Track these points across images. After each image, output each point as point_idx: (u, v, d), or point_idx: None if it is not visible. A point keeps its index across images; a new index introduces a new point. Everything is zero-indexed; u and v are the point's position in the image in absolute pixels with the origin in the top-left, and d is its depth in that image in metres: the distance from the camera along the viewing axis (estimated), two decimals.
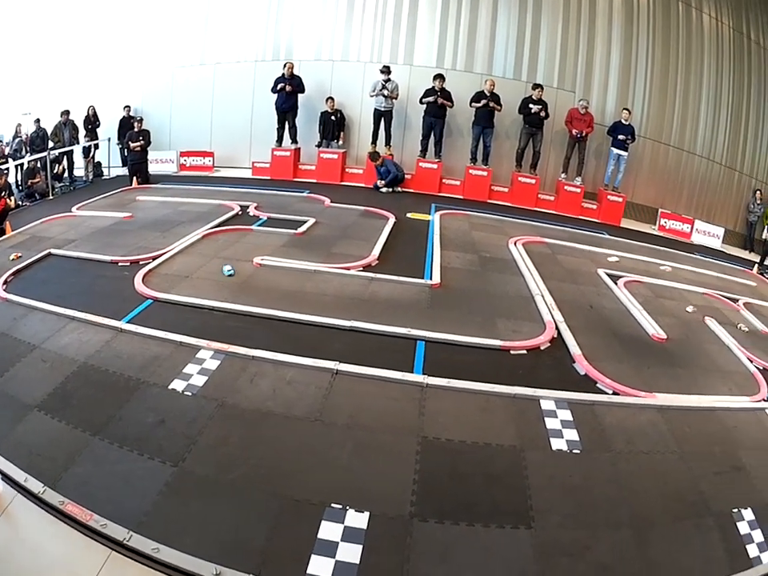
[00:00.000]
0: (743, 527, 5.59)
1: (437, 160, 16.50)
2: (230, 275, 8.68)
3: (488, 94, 15.79)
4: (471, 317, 8.49)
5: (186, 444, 5.23)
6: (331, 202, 13.93)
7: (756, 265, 16.53)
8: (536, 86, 16.18)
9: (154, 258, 9.25)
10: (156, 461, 5.02)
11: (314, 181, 16.33)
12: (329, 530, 4.53)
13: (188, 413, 5.65)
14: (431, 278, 9.64)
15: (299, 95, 16.17)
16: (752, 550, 5.38)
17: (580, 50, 17.41)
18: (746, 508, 5.82)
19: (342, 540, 4.47)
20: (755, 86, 19.43)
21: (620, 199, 17.19)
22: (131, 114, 16.81)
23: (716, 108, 18.94)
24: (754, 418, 7.56)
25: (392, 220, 12.66)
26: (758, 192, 19.22)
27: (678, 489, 5.91)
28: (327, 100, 16.22)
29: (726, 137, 19.29)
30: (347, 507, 4.74)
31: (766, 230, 17.46)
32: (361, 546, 4.44)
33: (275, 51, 16.97)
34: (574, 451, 5.97)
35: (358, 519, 4.65)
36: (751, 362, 8.89)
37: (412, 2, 16.80)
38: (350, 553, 4.37)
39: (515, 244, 12.15)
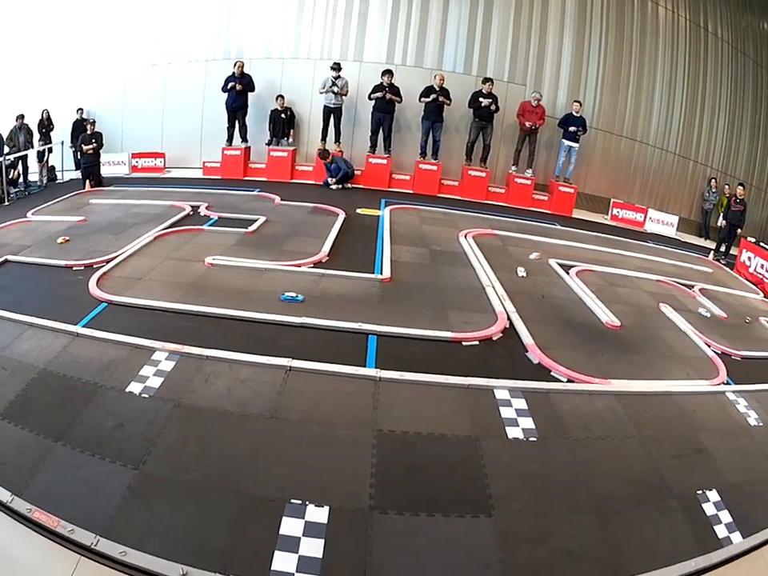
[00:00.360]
0: (709, 508, 5.72)
1: (386, 155, 16.64)
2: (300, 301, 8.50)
3: (437, 89, 15.91)
4: (422, 310, 8.63)
5: (146, 446, 5.21)
6: (281, 199, 14.04)
7: (712, 251, 16.93)
8: (486, 80, 16.28)
9: (108, 261, 9.22)
10: (117, 464, 4.99)
11: (264, 179, 16.39)
12: (290, 526, 4.54)
13: (146, 415, 5.63)
14: (382, 273, 9.80)
15: (249, 94, 16.15)
16: (720, 531, 5.50)
17: (531, 44, 17.58)
18: (710, 489, 5.95)
19: (303, 535, 4.48)
20: (711, 75, 19.71)
21: (571, 190, 17.44)
22: (84, 116, 16.60)
23: (670, 98, 19.18)
24: (713, 401, 7.73)
25: (342, 216, 12.82)
26: (713, 180, 19.61)
27: (638, 473, 6.03)
28: (277, 98, 16.24)
29: (680, 126, 19.56)
30: (307, 502, 4.75)
31: (721, 218, 17.90)
32: (323, 541, 4.45)
33: (226, 50, 16.83)
34: (531, 439, 6.08)
35: (318, 514, 4.67)
36: (709, 346, 9.09)
37: None
38: (313, 547, 4.39)
39: (466, 237, 12.30)
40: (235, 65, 15.76)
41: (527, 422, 6.29)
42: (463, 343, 7.84)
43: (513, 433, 6.10)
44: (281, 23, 16.78)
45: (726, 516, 5.68)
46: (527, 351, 7.90)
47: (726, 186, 18.84)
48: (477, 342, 7.93)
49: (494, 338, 8.12)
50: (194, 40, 16.93)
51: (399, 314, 8.31)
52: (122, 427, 5.44)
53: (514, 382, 6.95)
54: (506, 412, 6.40)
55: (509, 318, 8.64)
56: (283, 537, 4.45)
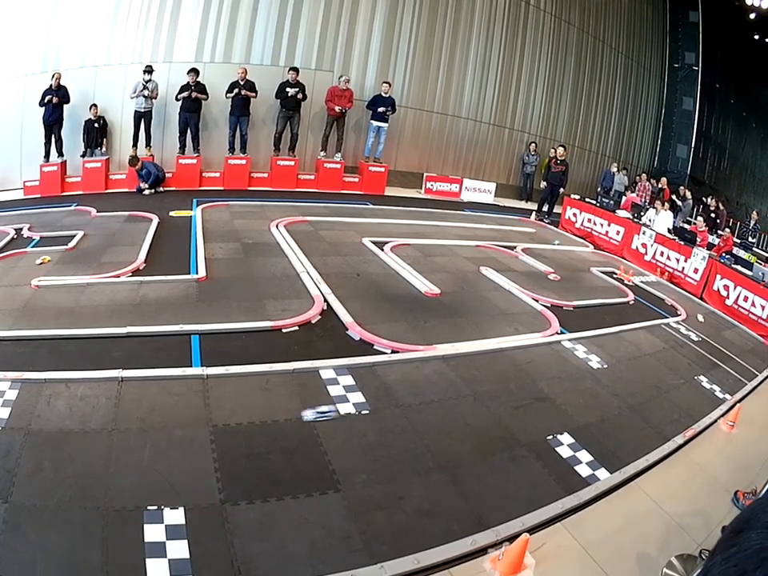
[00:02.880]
0: (564, 451, 6.45)
1: (195, 155, 17.06)
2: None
3: (241, 83, 16.36)
4: (239, 303, 9.10)
5: (9, 478, 5.08)
6: (98, 211, 14.03)
7: (534, 212, 18.16)
8: (291, 69, 16.77)
9: None
10: None
11: (81, 192, 16.17)
12: (153, 532, 4.64)
13: (2, 447, 5.50)
14: (197, 272, 10.15)
15: (65, 106, 15.82)
16: (583, 470, 6.20)
17: (341, 29, 18.18)
18: (561, 433, 6.73)
19: (167, 539, 4.60)
20: (530, 46, 21.11)
21: (382, 169, 18.25)
22: None
23: (484, 72, 20.33)
24: (549, 351, 8.61)
25: (156, 221, 13.20)
26: (533, 144, 21.04)
27: (480, 428, 6.65)
28: (91, 107, 16.03)
29: (494, 98, 20.70)
30: (162, 507, 4.88)
31: (543, 179, 19.01)
32: (186, 541, 4.59)
33: (44, 63, 16.16)
34: (363, 412, 6.56)
35: (174, 516, 4.81)
36: (537, 301, 10.00)
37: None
38: (179, 549, 4.52)
39: (277, 226, 12.88)
40: (53, 77, 15.40)
41: (357, 397, 6.79)
42: (283, 330, 8.35)
43: (344, 409, 6.55)
44: (95, 30, 16.36)
45: (584, 455, 6.41)
46: (347, 329, 8.50)
47: (561, 149, 19.54)
48: (296, 328, 8.45)
49: (313, 321, 8.71)
50: (15, 55, 16.12)
51: (218, 311, 8.71)
52: None
53: (337, 361, 7.45)
54: (334, 390, 6.87)
55: (326, 300, 9.25)
56: (149, 544, 4.54)
